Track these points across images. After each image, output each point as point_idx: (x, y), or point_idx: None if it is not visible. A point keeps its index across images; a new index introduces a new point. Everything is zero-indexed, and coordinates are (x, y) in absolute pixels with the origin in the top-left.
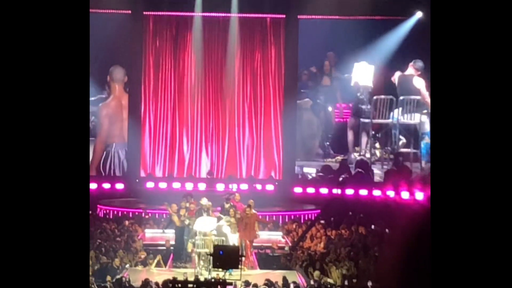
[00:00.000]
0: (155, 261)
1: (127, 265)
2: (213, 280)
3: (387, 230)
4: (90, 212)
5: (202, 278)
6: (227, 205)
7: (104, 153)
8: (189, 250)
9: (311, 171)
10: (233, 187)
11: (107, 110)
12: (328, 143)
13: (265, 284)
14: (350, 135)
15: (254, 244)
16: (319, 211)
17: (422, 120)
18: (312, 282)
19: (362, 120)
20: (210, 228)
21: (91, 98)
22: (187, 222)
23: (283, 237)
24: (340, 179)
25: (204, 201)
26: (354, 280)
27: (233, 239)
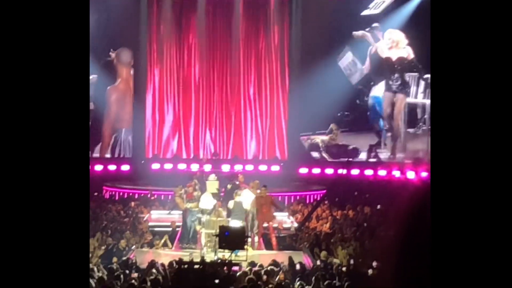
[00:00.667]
0: (162, 241)
1: (133, 247)
2: (219, 261)
3: (378, 207)
4: (96, 193)
5: (208, 259)
6: (229, 186)
7: (113, 137)
8: (198, 229)
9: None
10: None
11: (116, 93)
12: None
13: (271, 265)
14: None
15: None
16: (324, 191)
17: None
18: (318, 262)
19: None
20: (210, 206)
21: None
22: (188, 205)
23: (288, 218)
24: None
25: (212, 177)
26: (360, 260)
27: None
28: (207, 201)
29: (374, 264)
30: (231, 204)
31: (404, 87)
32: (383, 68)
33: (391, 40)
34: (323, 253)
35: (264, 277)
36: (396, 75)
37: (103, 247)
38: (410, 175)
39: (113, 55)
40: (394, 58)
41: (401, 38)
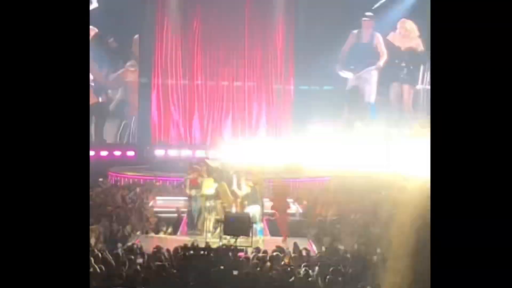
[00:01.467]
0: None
1: (138, 232)
2: (224, 247)
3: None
4: (101, 179)
5: (213, 245)
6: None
7: (123, 124)
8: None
9: None
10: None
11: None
12: None
13: (275, 251)
14: None
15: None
16: (329, 178)
17: None
18: (323, 249)
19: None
20: (211, 191)
21: (115, 73)
22: (193, 193)
23: (294, 204)
24: None
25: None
26: (363, 247)
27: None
28: (209, 186)
29: (378, 250)
30: (245, 189)
31: (411, 77)
32: (392, 57)
33: (404, 29)
34: (327, 239)
35: (268, 263)
36: (403, 64)
37: (108, 233)
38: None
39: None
40: (403, 48)
41: (414, 28)
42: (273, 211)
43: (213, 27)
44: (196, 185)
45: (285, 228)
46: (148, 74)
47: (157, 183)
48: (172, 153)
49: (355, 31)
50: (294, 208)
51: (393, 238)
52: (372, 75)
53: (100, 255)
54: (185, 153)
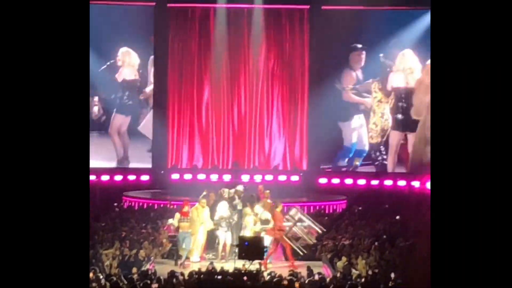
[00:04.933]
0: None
1: (152, 257)
2: (238, 271)
3: (398, 217)
4: (115, 204)
5: (228, 269)
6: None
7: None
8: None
9: None
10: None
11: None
12: None
13: (290, 275)
14: None
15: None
16: (344, 201)
17: None
18: (337, 274)
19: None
20: (227, 213)
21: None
22: (181, 224)
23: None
24: None
25: (240, 187)
26: (376, 270)
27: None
28: (223, 208)
29: (392, 275)
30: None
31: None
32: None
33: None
34: (341, 264)
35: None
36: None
37: (121, 258)
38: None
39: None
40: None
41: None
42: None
43: (231, 47)
44: (186, 218)
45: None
46: (163, 98)
47: (172, 207)
48: (187, 177)
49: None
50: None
51: (410, 264)
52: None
53: (115, 279)
54: (201, 177)
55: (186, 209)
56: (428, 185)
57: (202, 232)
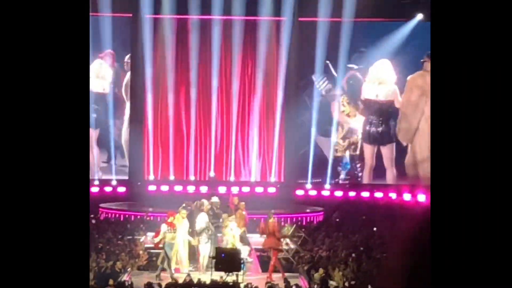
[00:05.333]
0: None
1: (129, 268)
2: (215, 283)
3: (375, 229)
4: (91, 215)
5: (206, 281)
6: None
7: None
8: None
9: None
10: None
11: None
12: None
13: (267, 287)
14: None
15: (255, 247)
16: (321, 213)
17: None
18: (314, 286)
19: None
20: (204, 224)
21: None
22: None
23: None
24: None
25: (215, 199)
26: (353, 282)
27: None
28: (203, 219)
29: (369, 287)
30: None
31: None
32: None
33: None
34: (318, 276)
35: None
36: (380, 119)
37: (97, 269)
38: (407, 197)
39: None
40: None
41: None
42: (266, 247)
43: (208, 59)
44: (172, 228)
45: (280, 265)
46: (140, 111)
47: (148, 219)
48: (164, 188)
49: None
50: (284, 243)
51: (387, 275)
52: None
53: None
54: (178, 188)
55: (171, 219)
56: (405, 196)
57: (183, 243)
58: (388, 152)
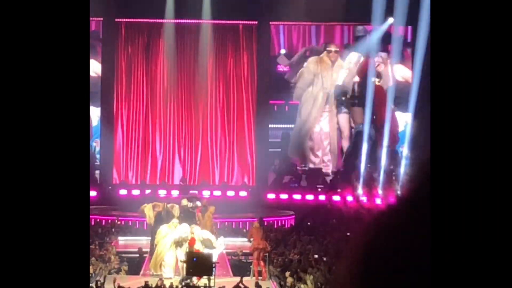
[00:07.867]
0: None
1: (100, 273)
2: (187, 286)
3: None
4: None
5: (178, 285)
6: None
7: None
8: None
9: None
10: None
11: None
12: None
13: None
14: None
15: (227, 250)
16: (293, 217)
17: None
18: None
19: None
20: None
21: None
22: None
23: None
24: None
25: (185, 202)
26: (323, 286)
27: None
28: (183, 229)
29: None
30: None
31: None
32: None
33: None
34: (290, 279)
35: None
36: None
37: None
38: (377, 200)
39: None
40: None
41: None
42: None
43: (177, 65)
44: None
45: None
46: (109, 114)
47: (119, 223)
48: (135, 192)
49: None
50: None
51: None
52: None
53: None
54: (149, 192)
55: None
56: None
57: (172, 251)
58: None
